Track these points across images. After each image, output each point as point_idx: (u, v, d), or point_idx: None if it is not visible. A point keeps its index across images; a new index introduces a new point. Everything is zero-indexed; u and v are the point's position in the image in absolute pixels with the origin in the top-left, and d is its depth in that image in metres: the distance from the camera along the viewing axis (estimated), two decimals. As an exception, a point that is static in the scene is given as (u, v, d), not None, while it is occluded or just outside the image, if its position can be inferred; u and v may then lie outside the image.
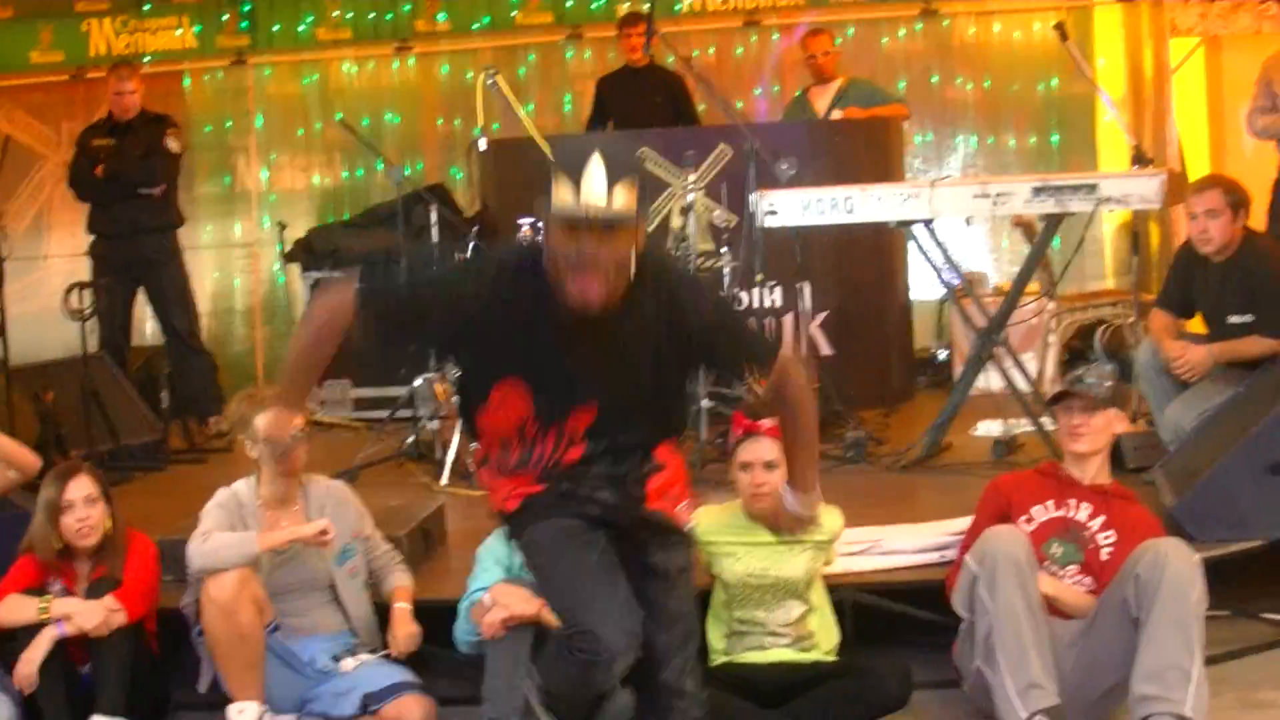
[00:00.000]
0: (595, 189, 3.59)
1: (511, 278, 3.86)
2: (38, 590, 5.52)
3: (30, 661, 5.32)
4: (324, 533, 5.53)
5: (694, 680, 4.22)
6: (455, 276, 4.05)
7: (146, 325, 10.76)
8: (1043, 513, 5.37)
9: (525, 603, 4.93)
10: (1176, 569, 4.89)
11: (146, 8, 12.18)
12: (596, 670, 4.02)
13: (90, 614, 5.42)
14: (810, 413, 4.33)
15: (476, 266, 4.02)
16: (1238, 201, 7.14)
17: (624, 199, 3.62)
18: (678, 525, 4.48)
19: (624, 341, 3.81)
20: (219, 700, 5.51)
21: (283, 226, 11.17)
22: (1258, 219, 7.87)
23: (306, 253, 10.69)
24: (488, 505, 4.57)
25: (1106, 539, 5.30)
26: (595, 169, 3.60)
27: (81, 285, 8.85)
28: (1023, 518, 5.35)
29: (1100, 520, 5.32)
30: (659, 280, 3.86)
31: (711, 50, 11.98)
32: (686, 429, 7.70)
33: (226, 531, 5.52)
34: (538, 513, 4.10)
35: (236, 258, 12.21)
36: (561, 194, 3.63)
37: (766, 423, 5.24)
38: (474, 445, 4.33)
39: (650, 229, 9.09)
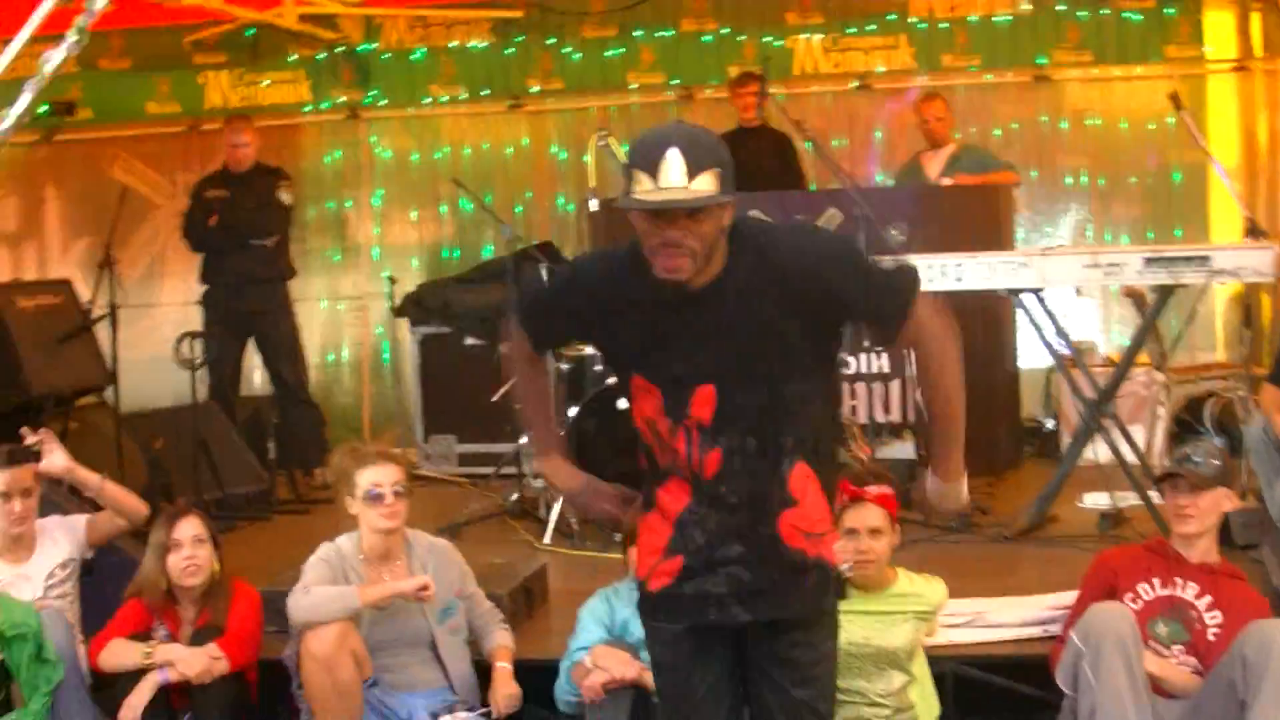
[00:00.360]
0: (672, 177, 3.58)
1: (617, 267, 3.85)
2: (143, 636, 5.58)
3: (134, 708, 5.37)
4: (425, 588, 5.55)
5: None
6: (577, 275, 4.07)
7: (255, 375, 10.85)
8: (1149, 591, 5.31)
9: (626, 665, 4.93)
10: (1284, 652, 4.83)
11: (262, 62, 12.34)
12: None
13: (193, 661, 5.46)
14: (952, 376, 4.04)
15: (590, 263, 4.03)
16: (1348, 279, 7.06)
17: (706, 183, 3.60)
18: (826, 565, 4.07)
19: (729, 314, 3.74)
20: (319, 753, 5.54)
21: (393, 281, 11.26)
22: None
23: (416, 307, 10.77)
24: (631, 567, 4.43)
25: (1213, 619, 5.23)
26: (672, 158, 3.58)
27: (193, 335, 8.96)
28: (1129, 595, 5.29)
29: (1207, 600, 5.26)
30: (758, 248, 3.79)
31: (822, 110, 11.95)
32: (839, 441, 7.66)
33: (328, 585, 5.55)
34: (670, 609, 3.99)
35: (347, 310, 12.31)
36: (641, 185, 3.62)
37: (873, 490, 5.22)
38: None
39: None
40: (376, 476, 5.62)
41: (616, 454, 6.68)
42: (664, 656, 4.05)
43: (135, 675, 5.45)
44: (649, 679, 4.94)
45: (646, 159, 3.64)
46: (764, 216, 8.70)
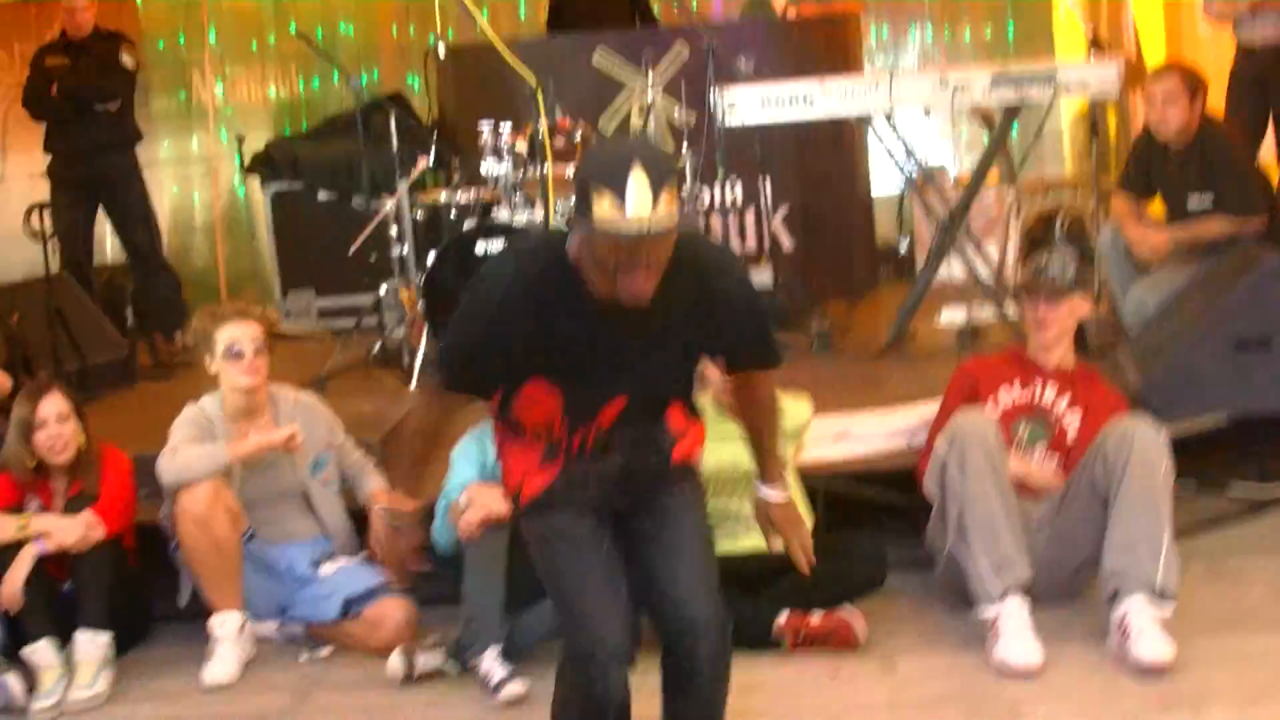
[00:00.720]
0: (640, 201, 3.50)
1: (537, 285, 3.75)
2: (15, 509, 5.55)
3: (14, 580, 5.35)
4: (292, 438, 5.57)
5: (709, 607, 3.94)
6: (500, 314, 3.83)
7: (108, 243, 10.69)
8: (1009, 395, 5.44)
9: (501, 502, 4.97)
10: (1143, 446, 4.98)
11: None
12: (592, 700, 3.95)
13: (69, 530, 5.44)
14: (776, 414, 4.20)
15: (508, 292, 3.80)
16: (1195, 87, 7.16)
17: (667, 205, 3.53)
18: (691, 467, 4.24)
19: (658, 332, 3.73)
20: (200, 612, 5.57)
21: (241, 140, 11.10)
22: (1215, 104, 7.89)
23: (266, 165, 10.62)
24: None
25: (1073, 419, 5.38)
26: (637, 179, 3.49)
27: (41, 206, 8.79)
28: (990, 401, 5.41)
29: (1066, 401, 5.40)
30: (695, 266, 3.78)
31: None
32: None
33: (196, 445, 5.55)
34: (551, 505, 4.00)
35: (195, 173, 12.13)
36: (605, 208, 3.51)
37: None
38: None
39: (612, 129, 9.17)
40: (234, 334, 5.61)
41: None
42: (548, 530, 4.01)
43: (12, 549, 5.42)
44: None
45: (610, 178, 3.53)
46: (613, 55, 8.75)
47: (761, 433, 4.15)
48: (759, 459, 4.18)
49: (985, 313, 7.71)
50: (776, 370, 4.04)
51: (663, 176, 3.53)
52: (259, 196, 10.91)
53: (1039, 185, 10.08)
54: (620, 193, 3.50)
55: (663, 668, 3.93)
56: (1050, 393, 5.41)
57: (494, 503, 5.11)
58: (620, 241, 3.52)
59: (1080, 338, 5.97)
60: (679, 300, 3.71)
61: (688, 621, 3.84)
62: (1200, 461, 5.97)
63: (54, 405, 5.62)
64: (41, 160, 9.66)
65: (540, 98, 7.63)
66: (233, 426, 5.69)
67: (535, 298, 3.74)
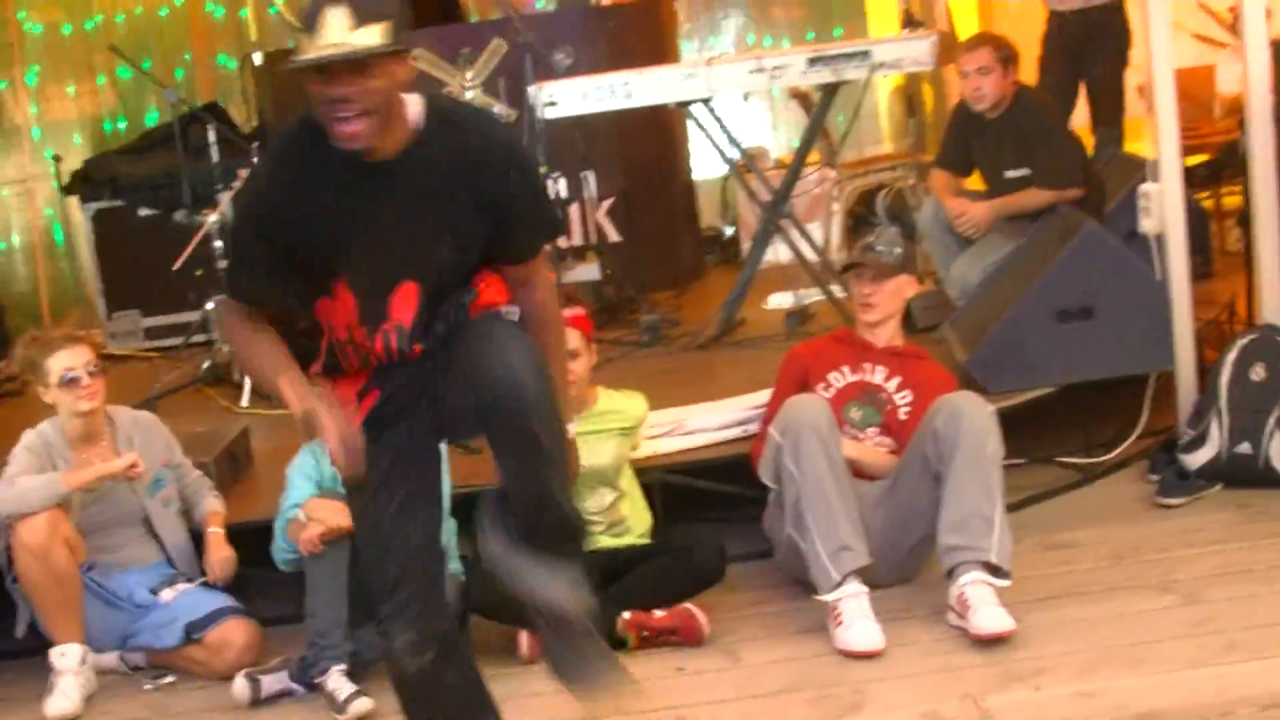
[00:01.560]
0: (333, 26, 3.39)
1: (295, 151, 3.64)
2: None
3: None
4: (133, 466, 5.48)
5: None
6: (259, 179, 3.70)
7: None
8: (840, 378, 5.46)
9: (340, 515, 4.92)
10: (972, 421, 5.03)
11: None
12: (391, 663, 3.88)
13: (-102, 564, 5.32)
14: (560, 332, 3.99)
15: (271, 157, 3.68)
16: (1007, 57, 7.25)
17: (371, 35, 3.43)
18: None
19: (420, 199, 3.60)
20: (39, 645, 5.45)
21: (58, 159, 10.90)
22: (1029, 73, 8.00)
23: (85, 183, 10.43)
24: None
25: (904, 399, 5.41)
26: (336, 11, 3.39)
27: None
28: (821, 385, 5.44)
29: (896, 381, 5.44)
30: (454, 123, 3.66)
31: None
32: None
33: (35, 475, 5.45)
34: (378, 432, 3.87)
35: (11, 195, 11.90)
36: (304, 44, 3.43)
37: (568, 312, 5.26)
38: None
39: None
40: (68, 360, 5.49)
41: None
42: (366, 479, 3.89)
43: None
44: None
45: (311, 16, 3.44)
46: (431, 55, 8.69)
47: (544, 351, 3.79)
48: None
49: (813, 295, 7.76)
50: (547, 283, 3.91)
51: (368, 8, 3.43)
52: (79, 216, 10.72)
53: (860, 164, 10.16)
54: (318, 26, 3.43)
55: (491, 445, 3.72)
56: (880, 374, 5.45)
57: (333, 516, 5.06)
58: (317, 73, 3.44)
59: (908, 316, 6.04)
60: (436, 156, 3.58)
61: (498, 381, 3.56)
62: (1029, 434, 6.02)
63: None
64: None
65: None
66: (73, 452, 5.58)
67: (292, 166, 3.64)
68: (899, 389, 5.43)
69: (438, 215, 3.63)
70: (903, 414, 5.39)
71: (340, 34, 3.41)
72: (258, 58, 8.78)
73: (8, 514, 5.38)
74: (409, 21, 3.62)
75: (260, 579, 5.68)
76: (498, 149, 3.70)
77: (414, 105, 3.65)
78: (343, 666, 5.03)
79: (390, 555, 3.82)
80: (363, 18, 3.44)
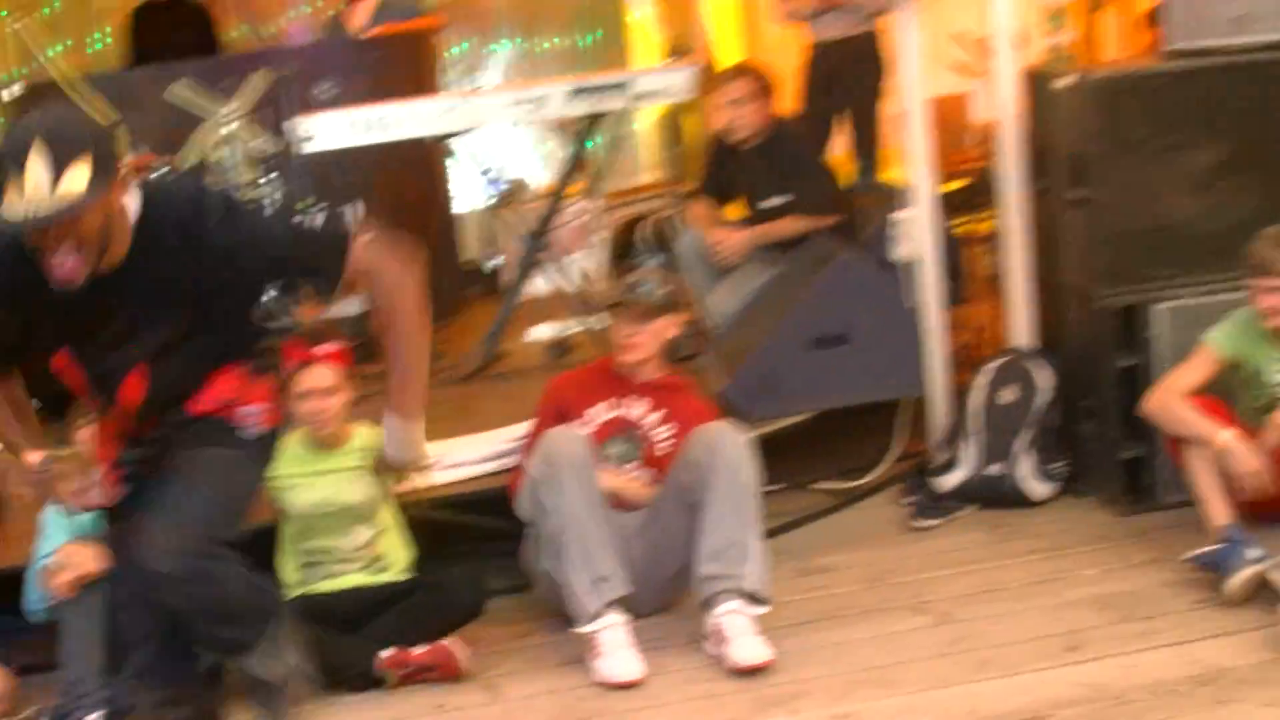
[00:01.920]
0: (35, 184, 3.28)
1: (5, 263, 3.56)
2: None
3: None
4: None
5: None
6: None
7: None
8: (601, 412, 5.47)
9: (94, 560, 4.82)
10: (728, 451, 5.07)
11: None
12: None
13: None
14: (407, 316, 4.04)
15: None
16: (764, 88, 7.35)
17: (76, 178, 3.32)
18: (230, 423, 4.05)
19: (149, 294, 3.55)
20: None
21: None
22: (789, 101, 8.10)
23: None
24: None
25: (665, 432, 5.44)
26: (35, 160, 3.29)
27: None
28: (579, 420, 5.44)
29: (658, 415, 5.46)
30: (166, 214, 3.59)
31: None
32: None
33: None
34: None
35: None
36: (9, 195, 3.32)
37: (320, 350, 5.22)
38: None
39: (188, 164, 8.96)
40: None
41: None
42: None
43: None
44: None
45: (13, 161, 3.37)
46: (194, 86, 8.56)
47: (397, 356, 4.11)
48: (388, 384, 4.23)
49: (574, 327, 7.76)
50: (384, 265, 3.97)
51: (67, 148, 3.37)
52: None
53: (622, 194, 10.20)
54: (19, 176, 3.35)
55: None
56: (640, 408, 5.47)
57: (88, 561, 4.96)
58: (26, 227, 3.38)
59: (670, 345, 6.06)
60: (161, 255, 3.53)
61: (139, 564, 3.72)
62: (787, 459, 6.08)
63: None
64: None
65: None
66: None
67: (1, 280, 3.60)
68: (661, 422, 5.45)
69: (167, 305, 3.59)
70: (661, 449, 5.41)
71: (44, 187, 3.32)
72: (11, 90, 8.52)
73: None
74: (110, 139, 3.52)
75: (13, 627, 5.53)
76: (235, 234, 3.66)
77: (132, 203, 3.58)
78: (98, 714, 4.92)
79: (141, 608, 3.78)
80: (62, 161, 3.34)
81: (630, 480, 5.38)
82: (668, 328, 5.54)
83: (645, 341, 5.46)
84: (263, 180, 8.45)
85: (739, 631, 4.85)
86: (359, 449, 5.30)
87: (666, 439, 5.44)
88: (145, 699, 3.73)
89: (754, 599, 4.93)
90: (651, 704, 4.73)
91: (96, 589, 4.95)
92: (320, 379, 5.19)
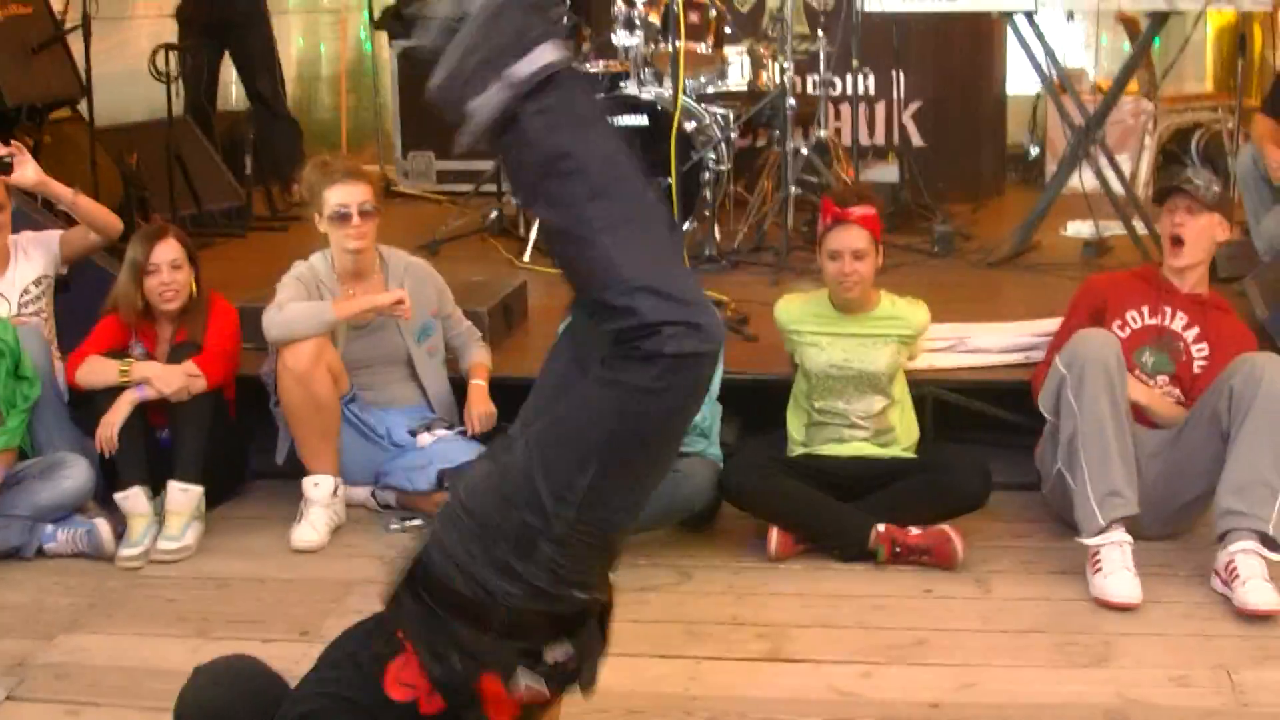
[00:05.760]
0: None
1: None
2: (120, 352, 5.51)
3: (110, 425, 5.33)
4: (400, 302, 5.49)
5: None
6: None
7: (232, 90, 10.67)
8: (1137, 319, 5.26)
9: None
10: (1272, 386, 4.78)
11: None
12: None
13: (171, 378, 5.41)
14: None
15: None
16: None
17: None
18: None
19: None
20: (296, 471, 5.53)
21: (374, -9, 11.01)
22: None
23: (395, 20, 10.46)
24: None
25: (1200, 351, 5.19)
26: None
27: (168, 47, 8.75)
28: (1116, 322, 5.24)
29: (1195, 331, 5.21)
30: None
31: None
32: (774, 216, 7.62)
33: (303, 302, 5.49)
34: None
35: (323, 23, 12.04)
36: None
37: (856, 211, 5.15)
38: None
39: (747, 8, 9.00)
40: (343, 196, 5.51)
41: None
42: None
43: (112, 392, 5.39)
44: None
45: None
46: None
47: None
48: None
49: (1114, 227, 7.52)
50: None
51: None
52: (386, 53, 10.82)
53: (1179, 100, 9.82)
54: None
55: None
56: (1180, 321, 5.23)
57: None
58: None
59: (1210, 266, 5.79)
60: None
61: None
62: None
63: (168, 252, 5.56)
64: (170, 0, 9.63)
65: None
66: (341, 286, 5.62)
67: None
68: (1197, 340, 5.21)
69: None
70: (1197, 367, 5.18)
71: None
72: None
73: (276, 338, 5.43)
74: None
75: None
76: None
77: None
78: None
79: None
80: None
81: (1161, 396, 5.16)
82: (1216, 227, 5.24)
83: (1193, 235, 5.19)
84: (815, 35, 8.43)
85: (1251, 573, 4.60)
86: (884, 317, 5.24)
87: (1202, 357, 5.19)
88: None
89: (1272, 544, 4.67)
90: (1144, 631, 4.53)
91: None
92: (853, 240, 5.12)
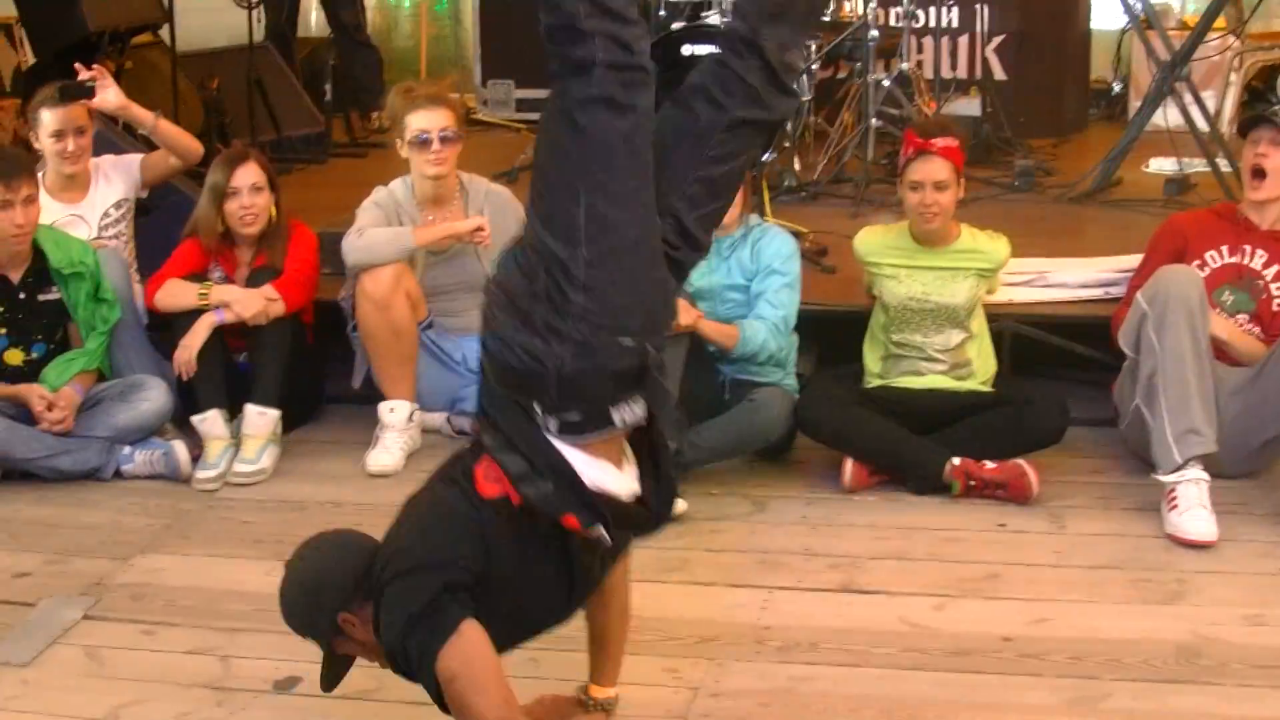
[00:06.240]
0: None
1: None
2: (199, 276, 5.55)
3: (189, 348, 5.38)
4: (479, 229, 5.50)
5: None
6: None
7: (313, 16, 10.68)
8: (1217, 258, 5.21)
9: (685, 313, 4.86)
10: (1360, 325, 4.73)
11: None
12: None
13: (250, 302, 5.45)
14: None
15: None
16: None
17: None
18: None
19: None
20: (372, 396, 5.56)
21: (458, -81, 11.01)
22: None
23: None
24: None
25: (1280, 289, 5.14)
26: None
27: (250, -28, 8.76)
28: (1196, 260, 5.19)
29: (1276, 269, 5.15)
30: None
31: None
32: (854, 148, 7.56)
33: (382, 228, 5.50)
34: None
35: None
36: None
37: (939, 142, 5.11)
38: None
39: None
40: (424, 122, 5.51)
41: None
42: None
43: (191, 315, 5.44)
44: (705, 326, 4.96)
45: None
46: None
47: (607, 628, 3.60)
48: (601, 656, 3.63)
49: (1197, 165, 7.43)
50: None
51: None
52: (467, -19, 10.80)
53: (1267, 37, 9.68)
54: None
55: None
56: (1260, 259, 5.17)
57: (681, 314, 4.90)
58: None
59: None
60: None
61: None
62: None
63: (249, 176, 5.59)
64: (252, -74, 9.61)
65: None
66: (421, 212, 5.64)
67: None
68: (1276, 277, 5.15)
69: None
70: (1276, 305, 5.13)
71: None
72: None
73: (355, 263, 5.46)
74: None
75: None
76: None
77: None
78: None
79: None
80: None
81: (1243, 333, 5.10)
82: None
83: (1276, 169, 5.12)
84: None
85: (1330, 517, 4.58)
86: (964, 250, 5.20)
87: (1285, 296, 5.14)
88: None
89: (1354, 482, 4.63)
90: (1219, 569, 4.50)
91: (680, 339, 4.99)
92: (935, 171, 5.08)
